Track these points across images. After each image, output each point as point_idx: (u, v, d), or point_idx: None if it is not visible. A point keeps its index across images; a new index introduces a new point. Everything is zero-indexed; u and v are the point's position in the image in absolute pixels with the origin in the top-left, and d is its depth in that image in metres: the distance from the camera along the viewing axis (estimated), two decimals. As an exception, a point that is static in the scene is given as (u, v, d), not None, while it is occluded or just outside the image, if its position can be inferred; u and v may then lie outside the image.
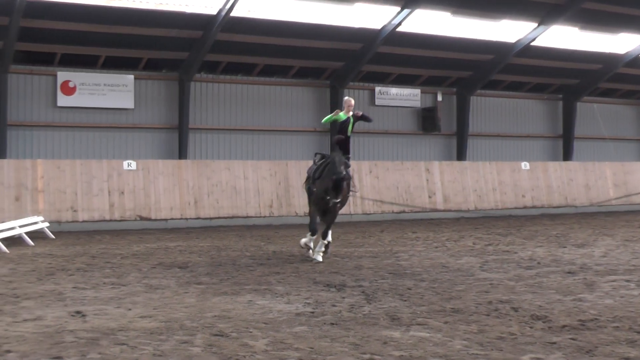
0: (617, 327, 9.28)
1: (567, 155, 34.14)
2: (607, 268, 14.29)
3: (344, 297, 11.21)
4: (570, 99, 34.00)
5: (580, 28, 29.44)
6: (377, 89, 30.09)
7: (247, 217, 25.63)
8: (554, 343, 8.49)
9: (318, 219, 15.56)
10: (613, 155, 35.33)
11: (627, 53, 31.60)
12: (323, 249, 15.55)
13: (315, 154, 16.88)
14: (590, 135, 35.27)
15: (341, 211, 16.41)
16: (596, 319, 9.77)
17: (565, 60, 31.42)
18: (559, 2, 27.29)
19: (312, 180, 15.64)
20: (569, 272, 13.70)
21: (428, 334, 8.85)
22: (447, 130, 31.62)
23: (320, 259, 15.24)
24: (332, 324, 9.37)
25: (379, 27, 26.68)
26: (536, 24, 28.37)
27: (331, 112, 17.39)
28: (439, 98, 31.19)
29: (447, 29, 28.01)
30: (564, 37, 29.91)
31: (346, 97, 16.32)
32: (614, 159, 34.94)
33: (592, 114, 34.84)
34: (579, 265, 14.83)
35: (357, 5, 25.63)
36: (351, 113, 15.68)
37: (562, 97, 34.13)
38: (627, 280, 12.83)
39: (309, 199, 16.12)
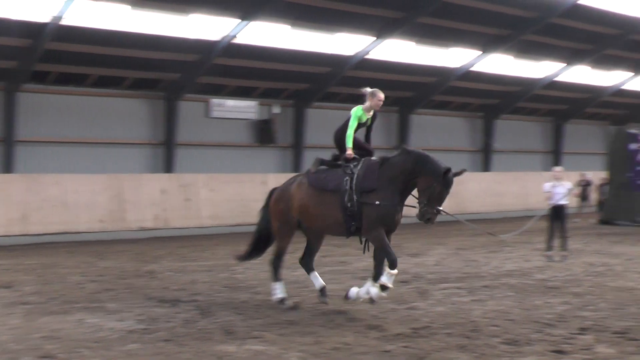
0: (449, 333, 9.49)
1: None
2: (440, 276, 14.63)
3: (178, 313, 10.98)
4: (405, 111, 34.79)
5: (416, 42, 30.17)
6: (214, 101, 29.79)
7: (78, 232, 24.73)
8: (388, 351, 8.59)
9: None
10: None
11: (460, 67, 32.64)
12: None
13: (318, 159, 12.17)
14: (424, 147, 36.10)
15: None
16: (429, 326, 9.96)
17: (401, 73, 32.08)
18: (395, 16, 27.85)
19: (356, 194, 10.93)
20: (402, 282, 13.91)
21: (264, 347, 8.78)
22: (284, 142, 31.67)
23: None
24: (166, 340, 9.17)
25: (216, 38, 26.43)
26: (374, 38, 28.86)
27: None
28: (276, 110, 31.20)
29: (286, 41, 28.01)
30: (400, 50, 30.54)
31: (374, 90, 12.00)
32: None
33: (425, 126, 35.72)
34: (412, 274, 15.12)
35: (194, 16, 25.33)
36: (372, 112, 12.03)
37: (399, 109, 34.86)
38: (459, 288, 13.17)
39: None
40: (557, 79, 35.95)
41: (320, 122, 31.69)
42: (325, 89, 31.09)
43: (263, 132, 30.91)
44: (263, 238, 12.39)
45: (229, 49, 26.80)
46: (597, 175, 32.42)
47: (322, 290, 11.61)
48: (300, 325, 10.04)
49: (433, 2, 26.97)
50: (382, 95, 11.84)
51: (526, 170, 38.21)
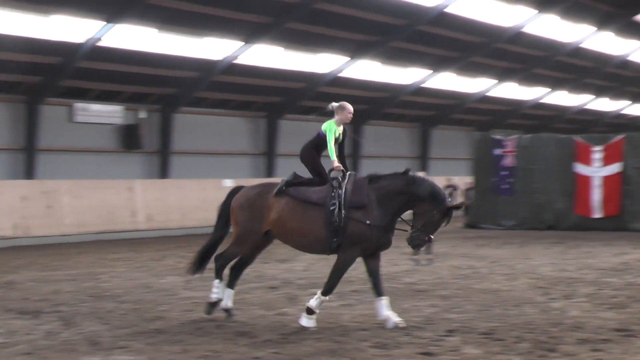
0: (319, 338, 9.40)
1: (270, 172, 34.80)
2: (309, 282, 14.55)
3: (39, 324, 10.49)
4: (274, 117, 34.73)
5: (285, 47, 30.18)
6: (78, 105, 28.92)
7: None
8: (258, 358, 8.46)
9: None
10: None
11: (328, 72, 32.82)
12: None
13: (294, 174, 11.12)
14: (294, 152, 35.97)
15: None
16: (298, 331, 9.85)
17: (270, 79, 32.05)
18: (263, 22, 27.79)
19: (344, 209, 10.21)
20: (271, 287, 13.78)
21: (130, 357, 8.52)
22: (150, 148, 31.07)
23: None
24: (27, 354, 8.74)
25: (80, 40, 25.69)
26: (242, 43, 28.68)
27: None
28: (142, 115, 30.59)
29: (152, 45, 27.51)
30: (269, 55, 30.50)
31: (342, 103, 11.25)
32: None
33: (294, 131, 35.75)
34: (281, 280, 15.01)
35: (56, 17, 24.53)
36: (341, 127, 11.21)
37: (266, 114, 34.76)
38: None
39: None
40: (424, 85, 36.71)
41: (187, 127, 31.33)
42: (193, 94, 30.73)
43: (129, 138, 30.24)
44: (218, 242, 11.34)
45: (94, 51, 26.13)
46: (463, 180, 33.16)
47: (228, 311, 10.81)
48: (168, 334, 9.77)
49: (302, 8, 27.05)
50: (351, 108, 11.16)
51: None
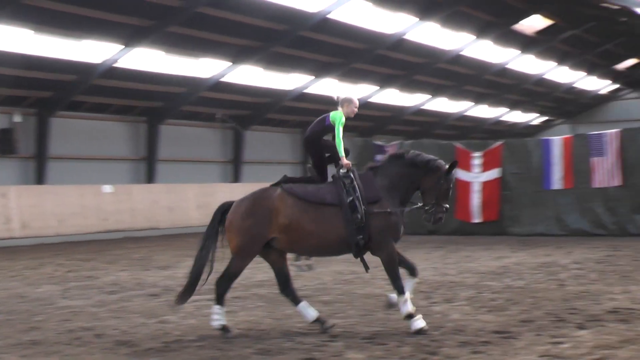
0: (201, 346, 9.30)
1: (150, 178, 34.23)
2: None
3: None
4: (154, 122, 34.17)
5: (166, 51, 29.70)
6: (-51, 108, 27.84)
7: None
8: (138, 368, 8.23)
9: None
10: (197, 177, 36.04)
11: (210, 77, 32.48)
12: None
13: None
14: (175, 158, 35.63)
15: None
16: (180, 339, 9.72)
17: (150, 83, 31.50)
18: (144, 25, 27.24)
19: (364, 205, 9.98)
20: (152, 295, 13.52)
21: (1, 371, 8.12)
22: (25, 153, 30.07)
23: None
24: None
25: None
26: (122, 46, 28.06)
27: None
28: (17, 119, 29.57)
29: (28, 46, 26.58)
30: (149, 59, 29.95)
31: (350, 97, 10.97)
32: (198, 180, 35.66)
33: (175, 137, 35.27)
34: (162, 287, 14.74)
35: None
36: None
37: (147, 119, 34.18)
38: (210, 300, 12.89)
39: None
40: (306, 91, 36.77)
41: (65, 132, 30.51)
42: (70, 97, 29.94)
43: (3, 142, 29.18)
44: (205, 265, 10.41)
45: (-36, 53, 25.15)
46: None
47: (320, 321, 10.21)
48: (44, 345, 9.43)
49: (183, 12, 26.68)
50: (357, 102, 10.90)
51: (275, 181, 38.58)
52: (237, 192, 35.76)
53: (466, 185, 27.94)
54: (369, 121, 44.77)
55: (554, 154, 26.59)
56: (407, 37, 34.24)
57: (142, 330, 10.41)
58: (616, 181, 25.19)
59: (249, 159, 38.65)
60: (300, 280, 15.46)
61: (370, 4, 30.12)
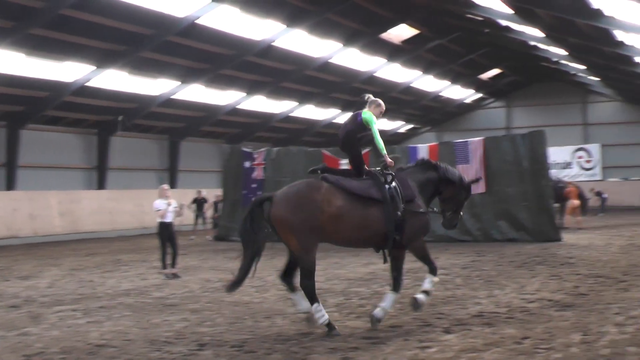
0: (65, 357, 9.09)
1: (11, 185, 32.99)
2: (54, 299, 13.90)
3: None
4: (15, 126, 32.94)
5: (27, 54, 28.64)
6: None
7: None
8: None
9: None
10: (60, 184, 34.99)
11: (74, 81, 31.57)
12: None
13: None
14: (36, 164, 34.45)
15: None
16: (43, 351, 9.41)
17: (10, 86, 30.32)
18: (4, 26, 26.21)
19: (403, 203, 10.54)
20: (12, 306, 13.01)
21: None
22: None
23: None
24: None
25: None
26: (-22, 48, 27.00)
27: None
28: None
29: None
30: (9, 62, 28.82)
31: (378, 100, 11.26)
32: (61, 187, 34.62)
33: (37, 142, 34.15)
34: (23, 298, 14.23)
35: None
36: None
37: (7, 124, 32.92)
38: (74, 310, 12.57)
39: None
40: (173, 96, 36.27)
41: None
42: None
43: None
44: (257, 255, 10.74)
45: None
46: (213, 193, 33.10)
47: (308, 314, 10.43)
48: None
49: (46, 13, 25.82)
50: (384, 107, 11.31)
51: (142, 188, 37.98)
52: (102, 199, 35.24)
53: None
54: (237, 128, 44.62)
55: (419, 161, 27.09)
56: (275, 44, 34.25)
57: (1, 343, 9.99)
58: (480, 188, 25.87)
59: (114, 166, 37.82)
60: (167, 289, 15.26)
61: (238, 10, 29.96)
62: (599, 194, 42.30)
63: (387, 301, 10.69)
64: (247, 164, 29.91)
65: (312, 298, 10.29)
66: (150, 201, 31.40)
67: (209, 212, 31.71)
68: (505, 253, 21.11)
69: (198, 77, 35.18)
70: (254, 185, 29.62)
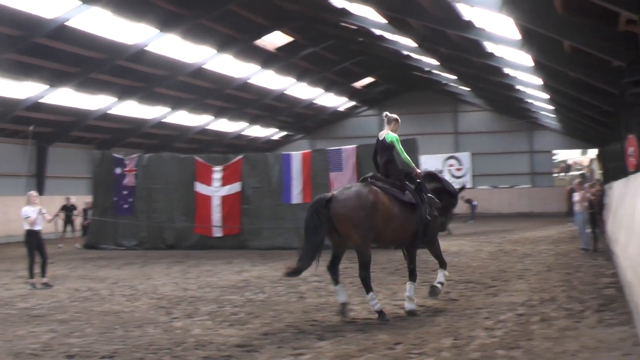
0: None
1: None
2: None
3: None
4: None
5: None
6: None
7: None
8: None
9: None
10: None
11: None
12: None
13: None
14: None
15: None
16: None
17: None
18: None
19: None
20: None
21: None
22: None
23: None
24: None
25: None
26: None
27: None
28: None
29: None
30: None
31: (397, 117, 13.06)
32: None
33: None
34: None
35: None
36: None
37: None
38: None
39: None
40: (41, 100, 35.16)
41: None
42: None
43: None
44: (320, 250, 11.60)
45: None
46: (82, 200, 32.30)
47: (344, 306, 11.76)
48: None
49: None
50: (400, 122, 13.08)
51: (8, 194, 36.71)
52: None
53: (207, 200, 27.94)
54: (107, 133, 43.69)
55: (293, 169, 27.17)
56: (148, 48, 33.69)
57: None
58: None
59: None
60: (33, 299, 14.78)
61: (109, 13, 29.30)
62: (469, 201, 43.36)
63: (409, 291, 12.16)
64: (118, 171, 29.33)
65: (368, 287, 11.65)
66: (17, 208, 30.43)
67: (78, 219, 30.92)
68: (377, 260, 21.26)
69: (67, 80, 34.19)
70: (125, 192, 29.10)
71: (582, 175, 52.78)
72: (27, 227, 16.98)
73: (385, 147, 12.64)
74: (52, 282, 17.12)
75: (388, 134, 12.62)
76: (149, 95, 39.94)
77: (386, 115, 12.93)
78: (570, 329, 10.24)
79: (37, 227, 16.98)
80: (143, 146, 47.68)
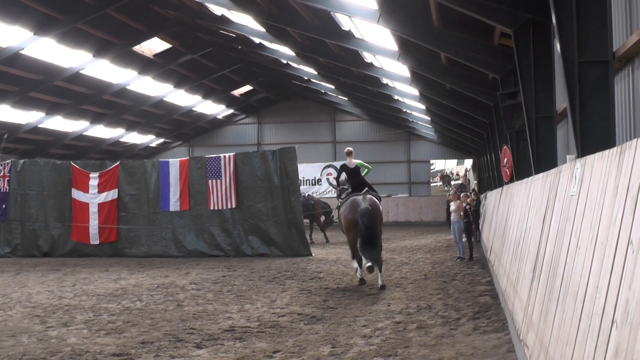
0: None
1: None
2: None
3: None
4: None
5: None
6: None
7: None
8: None
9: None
10: None
11: None
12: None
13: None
14: None
15: None
16: None
17: None
18: None
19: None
20: None
21: None
22: None
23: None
24: None
25: None
26: None
27: None
28: None
29: None
30: None
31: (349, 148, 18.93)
32: None
33: None
34: None
35: None
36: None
37: None
38: None
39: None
40: None
41: None
42: None
43: None
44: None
45: None
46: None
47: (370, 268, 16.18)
48: None
49: None
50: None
51: None
52: None
53: (84, 207, 27.56)
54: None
55: (171, 176, 27.06)
56: (23, 52, 32.91)
57: None
58: (231, 204, 26.21)
59: None
60: None
61: (-18, 15, 28.57)
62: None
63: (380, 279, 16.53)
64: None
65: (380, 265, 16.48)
66: None
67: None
68: (255, 268, 21.51)
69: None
70: (-3, 198, 28.42)
71: (461, 185, 54.27)
72: None
73: (356, 171, 18.12)
74: None
75: (358, 163, 18.22)
76: (23, 100, 38.98)
77: (349, 151, 18.55)
78: (447, 336, 10.50)
79: None
80: (17, 151, 46.50)
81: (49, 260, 25.49)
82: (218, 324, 11.86)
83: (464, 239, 23.30)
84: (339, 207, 18.24)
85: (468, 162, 57.64)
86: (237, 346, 10.21)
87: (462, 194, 25.43)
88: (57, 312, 13.54)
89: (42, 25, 30.89)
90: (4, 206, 28.38)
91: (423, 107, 38.41)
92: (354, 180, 18.08)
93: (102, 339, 10.84)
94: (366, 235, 16.08)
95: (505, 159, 23.23)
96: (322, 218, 33.79)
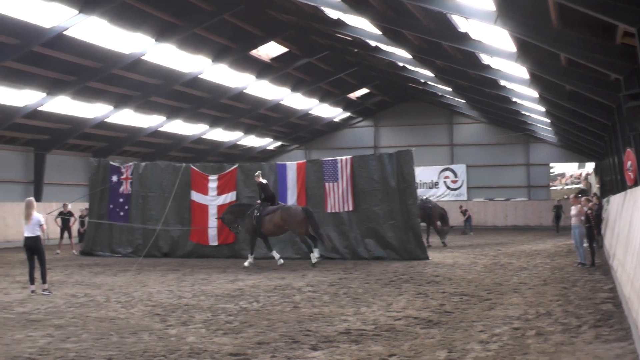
0: None
1: None
2: None
3: None
4: None
5: None
6: None
7: None
8: None
9: None
10: None
11: None
12: None
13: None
14: None
15: None
16: None
17: None
18: None
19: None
20: None
21: None
22: None
23: None
24: None
25: None
26: None
27: None
28: None
29: None
30: None
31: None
32: None
33: None
34: None
35: None
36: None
37: None
38: None
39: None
40: (39, 108, 35.29)
41: None
42: None
43: None
44: None
45: None
46: (79, 207, 32.42)
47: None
48: None
49: None
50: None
51: (6, 200, 36.87)
52: None
53: (203, 209, 28.09)
54: (104, 141, 43.85)
55: (288, 179, 27.32)
56: (144, 57, 33.81)
57: None
58: (348, 206, 26.29)
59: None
60: (31, 304, 14.92)
61: (106, 23, 29.42)
62: (465, 212, 43.89)
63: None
64: (114, 178, 29.51)
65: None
66: (14, 214, 30.55)
67: (74, 226, 31.07)
68: (372, 271, 21.49)
69: (64, 88, 34.33)
70: (120, 200, 29.27)
71: (582, 189, 52.92)
72: (38, 234, 16.85)
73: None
74: (49, 288, 17.22)
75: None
76: (144, 104, 40.08)
77: (259, 173, 22.88)
78: (567, 344, 10.25)
79: (32, 234, 16.85)
80: (139, 154, 47.83)
81: (169, 261, 26.11)
82: (334, 326, 11.90)
83: (585, 244, 22.73)
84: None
85: (589, 166, 56.11)
86: (352, 349, 10.21)
87: (582, 198, 24.79)
88: (176, 311, 13.87)
89: (162, 32, 31.68)
90: (126, 207, 29.21)
91: (542, 109, 37.58)
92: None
93: (219, 339, 11.04)
94: None
95: (629, 162, 22.54)
96: (439, 223, 33.51)
